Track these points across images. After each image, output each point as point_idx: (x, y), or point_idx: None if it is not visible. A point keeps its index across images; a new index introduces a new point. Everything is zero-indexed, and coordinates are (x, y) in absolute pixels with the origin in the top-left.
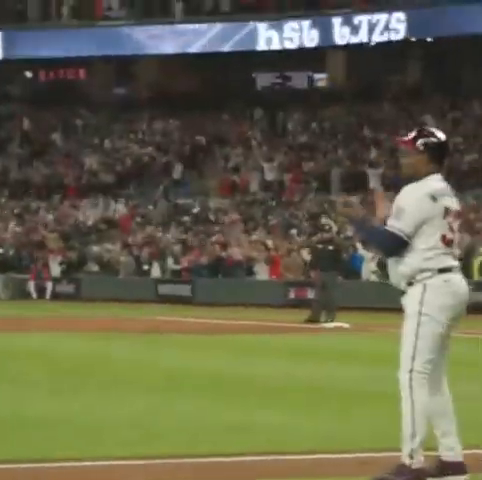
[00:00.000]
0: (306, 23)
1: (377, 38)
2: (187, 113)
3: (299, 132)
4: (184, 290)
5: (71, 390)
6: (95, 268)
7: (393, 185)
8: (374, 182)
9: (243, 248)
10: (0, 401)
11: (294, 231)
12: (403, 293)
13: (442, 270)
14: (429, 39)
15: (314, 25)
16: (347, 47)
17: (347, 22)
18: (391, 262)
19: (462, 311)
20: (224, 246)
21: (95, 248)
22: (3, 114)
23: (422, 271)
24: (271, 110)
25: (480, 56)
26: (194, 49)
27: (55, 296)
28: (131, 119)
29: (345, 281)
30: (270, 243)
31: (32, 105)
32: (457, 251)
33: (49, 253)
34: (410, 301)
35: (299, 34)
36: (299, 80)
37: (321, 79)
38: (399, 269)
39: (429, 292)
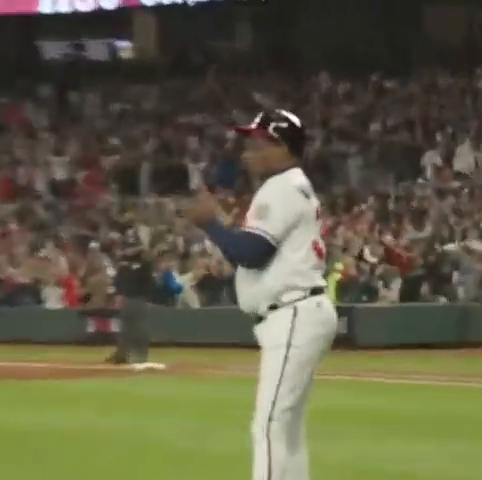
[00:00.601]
0: None
1: None
2: None
3: (98, 116)
4: None
5: None
6: None
7: (222, 184)
8: (197, 180)
9: (27, 268)
10: None
11: (95, 244)
12: (258, 320)
13: (315, 291)
14: None
15: None
16: (158, 9)
17: None
18: (241, 278)
19: (330, 344)
20: (1, 266)
21: None
22: None
23: (292, 289)
24: (61, 88)
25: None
26: None
27: None
28: None
29: (158, 308)
30: (63, 261)
31: None
32: (324, 265)
33: None
34: (274, 330)
35: None
36: (97, 50)
37: (126, 49)
38: (257, 286)
39: (300, 318)
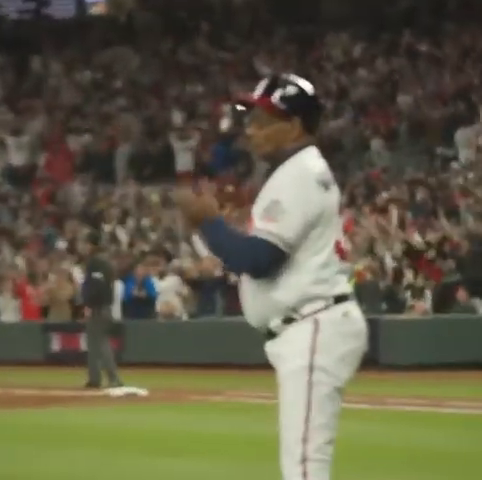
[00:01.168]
0: None
1: None
2: None
3: (64, 88)
4: None
5: None
6: None
7: (214, 168)
8: (184, 163)
9: None
10: None
11: (61, 243)
12: (270, 337)
13: (339, 298)
14: None
15: None
16: None
17: None
18: (248, 287)
19: (360, 360)
20: None
21: None
22: None
23: (311, 300)
24: (19, 54)
25: None
26: None
27: None
28: None
29: (135, 322)
30: (20, 263)
31: None
32: (348, 267)
33: None
34: (290, 349)
35: None
36: (62, 6)
37: (97, 4)
38: (268, 297)
39: (324, 332)
